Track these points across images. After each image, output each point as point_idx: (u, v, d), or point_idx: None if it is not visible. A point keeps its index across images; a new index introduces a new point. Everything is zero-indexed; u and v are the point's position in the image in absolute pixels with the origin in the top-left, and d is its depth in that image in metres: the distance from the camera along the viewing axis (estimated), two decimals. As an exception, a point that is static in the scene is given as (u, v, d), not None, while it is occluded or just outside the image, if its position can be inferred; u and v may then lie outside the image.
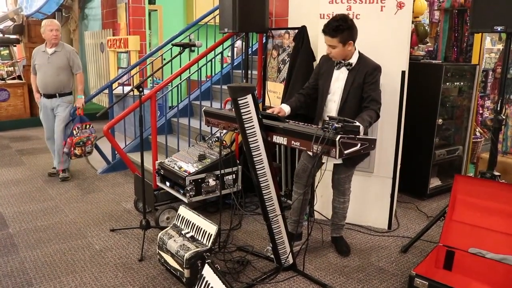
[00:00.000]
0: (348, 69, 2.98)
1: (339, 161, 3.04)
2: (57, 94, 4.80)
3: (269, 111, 2.94)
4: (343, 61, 2.99)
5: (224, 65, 5.99)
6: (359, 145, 2.37)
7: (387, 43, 3.38)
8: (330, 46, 2.90)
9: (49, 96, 4.80)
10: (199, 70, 4.91)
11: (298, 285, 2.89)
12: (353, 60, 2.97)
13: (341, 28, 2.82)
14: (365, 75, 2.91)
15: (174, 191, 3.65)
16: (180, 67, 4.56)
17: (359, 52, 2.99)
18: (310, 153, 3.07)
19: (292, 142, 2.51)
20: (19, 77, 8.37)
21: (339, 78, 3.02)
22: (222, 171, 3.58)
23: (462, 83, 4.53)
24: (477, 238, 2.89)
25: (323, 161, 3.08)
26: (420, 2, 4.61)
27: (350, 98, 2.97)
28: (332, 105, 3.05)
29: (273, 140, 2.62)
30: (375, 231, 3.69)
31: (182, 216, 3.06)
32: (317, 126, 2.54)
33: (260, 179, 2.67)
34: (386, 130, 3.53)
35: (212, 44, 4.77)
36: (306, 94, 3.18)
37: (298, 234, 3.38)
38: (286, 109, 3.04)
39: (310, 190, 3.32)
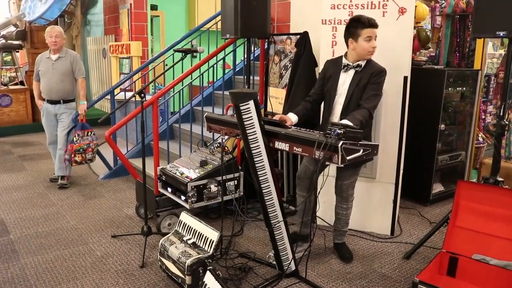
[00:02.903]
0: (356, 71, 2.99)
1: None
2: (61, 101, 4.80)
3: (275, 117, 2.93)
4: (351, 64, 3.00)
5: (226, 70, 5.99)
6: (361, 151, 2.36)
7: (389, 48, 3.37)
8: (375, 37, 2.93)
9: (53, 102, 4.80)
10: (201, 76, 4.92)
11: (301, 292, 2.87)
12: (363, 62, 2.99)
13: None
14: (370, 76, 2.93)
15: (175, 197, 3.64)
16: (182, 72, 4.56)
17: None
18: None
19: (294, 148, 2.50)
20: (21, 83, 8.39)
21: (345, 81, 3.03)
22: (224, 177, 3.57)
23: (464, 88, 4.52)
24: (481, 244, 2.87)
25: (326, 163, 3.06)
26: (422, 8, 4.61)
27: (354, 99, 2.97)
28: (339, 107, 3.05)
29: (275, 146, 2.61)
30: (378, 237, 3.67)
31: (184, 222, 3.05)
32: (319, 132, 2.53)
33: (262, 185, 2.66)
34: (389, 135, 3.52)
35: (214, 50, 4.77)
36: (313, 101, 3.18)
37: (303, 236, 3.36)
38: (294, 118, 3.03)
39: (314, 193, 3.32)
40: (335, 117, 3.04)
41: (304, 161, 3.22)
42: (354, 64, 3.00)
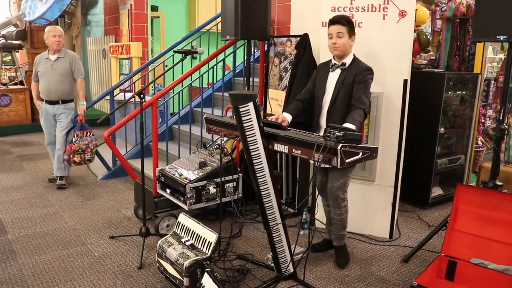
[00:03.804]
0: (341, 69, 3.04)
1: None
2: (60, 101, 4.80)
3: (270, 118, 2.93)
4: (337, 63, 3.06)
5: (226, 72, 5.99)
6: (360, 154, 2.36)
7: (389, 51, 3.38)
8: (339, 33, 2.97)
9: (52, 102, 4.79)
10: (200, 77, 4.91)
11: (299, 294, 2.86)
12: (348, 60, 3.04)
13: (349, 20, 3.01)
14: (355, 76, 2.97)
15: (174, 198, 3.64)
16: (182, 74, 4.56)
17: (354, 55, 3.07)
18: (322, 164, 3.07)
19: (293, 150, 2.50)
20: (21, 83, 8.39)
21: (333, 79, 3.08)
22: (223, 179, 3.57)
23: (464, 92, 4.52)
24: (479, 248, 2.86)
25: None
26: (422, 11, 4.62)
27: (339, 98, 3.01)
28: (326, 107, 3.09)
29: (274, 148, 2.60)
30: (376, 240, 3.67)
31: (182, 224, 3.04)
32: (317, 134, 2.53)
33: (261, 187, 2.66)
34: (388, 138, 3.52)
35: (214, 51, 4.77)
36: (304, 100, 3.20)
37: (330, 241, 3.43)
38: (289, 118, 3.05)
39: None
40: (323, 116, 3.08)
41: (318, 174, 3.26)
42: (339, 63, 3.05)
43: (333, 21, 2.99)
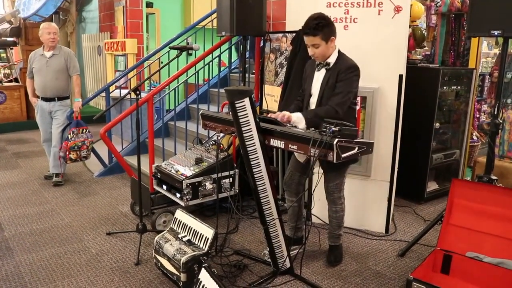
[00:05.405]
0: (326, 69, 2.94)
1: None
2: (56, 98, 4.78)
3: (274, 116, 2.90)
4: (322, 62, 2.95)
5: (222, 68, 5.98)
6: (356, 148, 2.37)
7: (385, 47, 3.39)
8: (313, 45, 2.85)
9: (47, 99, 4.78)
10: (196, 73, 4.91)
11: (295, 289, 2.88)
12: (332, 59, 2.91)
13: (321, 25, 2.80)
14: (338, 74, 2.86)
15: (171, 195, 3.64)
16: (178, 70, 4.55)
17: (339, 51, 2.94)
18: (301, 160, 3.06)
19: (290, 145, 2.51)
20: (16, 80, 8.35)
21: (318, 79, 2.99)
22: (219, 175, 3.57)
23: (459, 87, 4.54)
24: (475, 242, 2.88)
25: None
26: (417, 6, 4.62)
27: (325, 98, 2.91)
28: (313, 108, 3.00)
29: (271, 144, 2.61)
30: (372, 235, 3.68)
31: (179, 220, 3.05)
32: (314, 129, 2.53)
33: (257, 183, 2.66)
34: (384, 133, 3.54)
35: (209, 47, 4.77)
36: (302, 101, 3.17)
37: (297, 238, 3.37)
38: None
39: (304, 196, 3.30)
40: None
41: (289, 166, 3.21)
42: (323, 63, 2.94)
43: (304, 33, 2.85)
